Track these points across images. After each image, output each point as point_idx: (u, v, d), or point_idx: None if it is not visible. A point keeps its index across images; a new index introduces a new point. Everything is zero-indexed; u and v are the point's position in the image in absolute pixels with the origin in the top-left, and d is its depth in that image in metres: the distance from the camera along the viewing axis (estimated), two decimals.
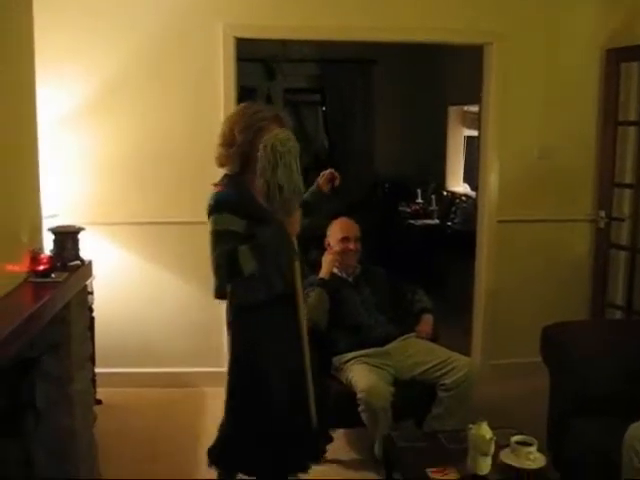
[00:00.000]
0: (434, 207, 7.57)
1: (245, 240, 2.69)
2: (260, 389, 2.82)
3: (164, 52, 4.43)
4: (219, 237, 2.71)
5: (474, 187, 6.11)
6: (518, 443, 2.68)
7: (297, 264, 2.83)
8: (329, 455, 3.67)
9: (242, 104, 2.96)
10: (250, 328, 2.85)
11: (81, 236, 3.05)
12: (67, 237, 2.96)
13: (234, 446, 2.90)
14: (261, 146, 2.67)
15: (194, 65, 4.47)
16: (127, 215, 4.48)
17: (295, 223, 2.78)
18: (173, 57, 4.45)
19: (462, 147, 7.80)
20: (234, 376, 2.89)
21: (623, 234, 4.91)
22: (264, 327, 2.83)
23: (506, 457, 2.67)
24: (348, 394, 3.54)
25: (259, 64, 8.05)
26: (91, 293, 4.08)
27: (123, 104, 4.44)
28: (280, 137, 2.68)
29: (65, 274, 2.80)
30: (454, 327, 5.05)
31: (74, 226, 3.06)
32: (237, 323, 2.90)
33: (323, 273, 3.89)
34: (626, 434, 2.76)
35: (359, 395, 3.47)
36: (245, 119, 2.82)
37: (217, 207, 2.74)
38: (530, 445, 2.68)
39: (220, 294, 2.88)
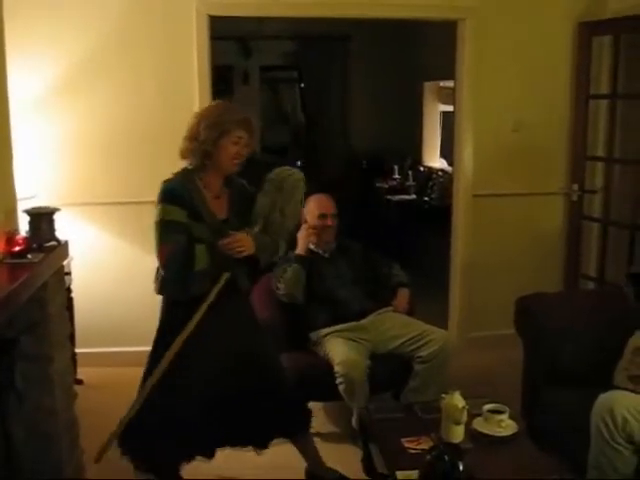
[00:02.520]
0: (411, 182, 7.61)
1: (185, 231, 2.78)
2: (179, 379, 2.83)
3: (136, 31, 4.40)
4: (166, 227, 2.77)
5: (451, 162, 6.15)
6: (490, 411, 2.75)
7: (224, 278, 2.84)
8: None
9: (216, 102, 3.01)
10: (176, 320, 2.85)
11: (57, 217, 3.05)
12: (42, 218, 2.96)
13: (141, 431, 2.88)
14: (275, 176, 2.98)
15: (167, 44, 4.45)
16: (103, 195, 4.49)
17: (247, 243, 2.85)
18: (146, 36, 4.42)
19: (438, 122, 7.83)
20: (153, 362, 2.89)
21: (595, 206, 4.98)
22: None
23: (478, 425, 2.73)
24: (326, 368, 3.59)
25: (235, 42, 8.02)
26: (68, 274, 4.09)
27: (96, 85, 4.41)
28: (301, 177, 3.05)
29: (41, 255, 2.81)
30: (431, 301, 5.11)
31: (49, 207, 3.06)
32: (165, 313, 2.95)
33: (299, 249, 3.92)
34: (595, 404, 2.82)
35: (336, 368, 3.52)
36: (213, 118, 2.85)
37: (163, 197, 2.80)
38: (502, 413, 2.74)
39: (164, 289, 2.91)
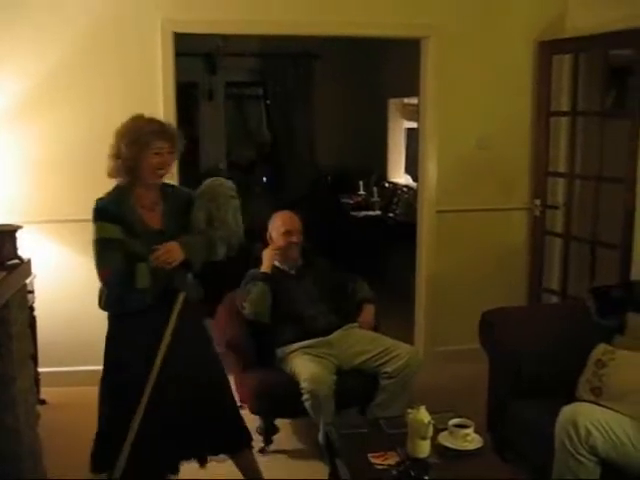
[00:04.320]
0: (376, 199, 7.65)
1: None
2: (126, 397, 2.85)
3: (101, 48, 4.39)
4: (103, 246, 2.81)
5: (415, 178, 6.21)
6: (456, 426, 2.77)
7: (180, 299, 2.87)
8: (275, 445, 3.76)
9: (133, 116, 2.96)
10: (121, 332, 2.91)
11: (19, 235, 3.02)
12: (4, 236, 2.92)
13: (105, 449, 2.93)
14: (206, 188, 2.95)
15: (132, 61, 4.44)
16: (66, 212, 4.43)
17: (175, 252, 2.83)
18: (110, 53, 4.41)
19: (403, 139, 7.90)
20: (105, 382, 2.94)
21: (558, 222, 5.05)
22: (134, 335, 2.88)
23: (444, 439, 2.75)
24: (292, 384, 3.59)
25: (200, 58, 8.02)
26: (31, 292, 4.04)
27: (58, 101, 4.38)
28: (228, 184, 2.99)
29: (3, 273, 2.78)
30: (397, 316, 5.15)
31: (11, 225, 3.03)
32: (110, 326, 2.96)
33: (265, 267, 3.92)
34: (559, 416, 2.86)
35: (302, 384, 3.52)
36: (131, 134, 2.85)
37: (97, 215, 2.84)
38: (467, 427, 2.76)
39: (105, 305, 2.93)
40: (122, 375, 2.88)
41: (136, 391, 2.83)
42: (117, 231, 2.80)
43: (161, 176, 2.91)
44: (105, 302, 2.91)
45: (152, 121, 2.91)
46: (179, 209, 2.97)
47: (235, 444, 3.13)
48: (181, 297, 2.86)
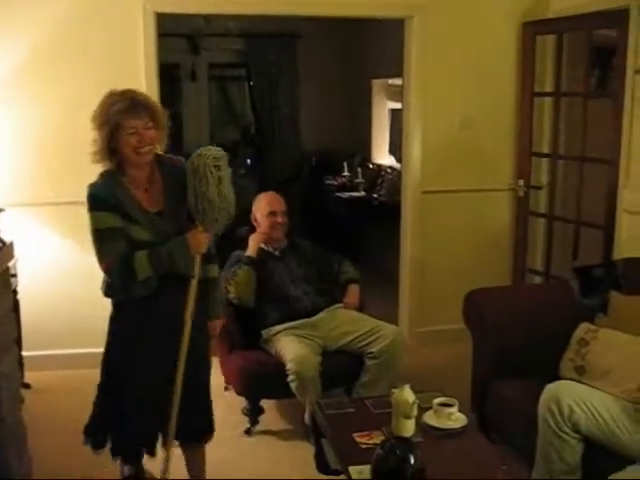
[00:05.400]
0: (360, 180, 7.64)
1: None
2: (127, 379, 2.82)
3: (83, 29, 4.34)
4: (102, 236, 2.67)
5: (399, 159, 6.20)
6: (440, 405, 2.79)
7: (194, 284, 2.77)
8: (260, 426, 3.78)
9: (106, 94, 2.74)
10: (126, 319, 2.82)
11: (1, 217, 2.99)
12: None
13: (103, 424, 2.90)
14: (189, 162, 2.70)
15: (114, 42, 4.39)
16: (48, 195, 4.41)
17: (203, 240, 2.74)
18: (92, 34, 4.35)
19: (387, 120, 7.88)
20: (105, 365, 2.89)
21: (541, 202, 5.07)
22: (141, 319, 2.79)
23: (429, 418, 2.77)
24: (278, 366, 3.59)
25: (182, 39, 7.95)
26: (14, 275, 4.01)
27: (41, 82, 4.33)
28: (212, 152, 2.69)
29: None
30: (382, 297, 5.17)
31: None
32: (115, 313, 2.86)
33: (250, 251, 3.91)
34: (542, 394, 2.89)
35: (288, 365, 3.53)
36: (100, 116, 2.67)
37: (92, 204, 2.68)
38: (452, 406, 2.78)
39: (110, 292, 2.83)
40: (126, 358, 2.82)
41: (140, 375, 2.80)
42: (114, 219, 2.66)
43: (145, 154, 2.71)
44: (109, 290, 2.80)
45: (122, 97, 2.67)
46: (177, 184, 2.77)
47: (201, 433, 3.02)
48: (194, 282, 2.76)
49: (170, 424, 2.80)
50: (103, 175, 2.75)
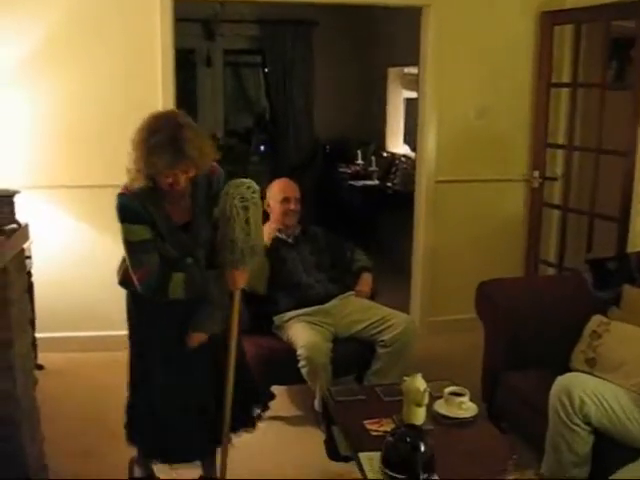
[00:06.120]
0: (374, 168, 7.62)
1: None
2: (149, 378, 2.86)
3: (100, 13, 4.34)
4: (135, 248, 2.63)
5: (414, 148, 6.19)
6: (451, 394, 2.79)
7: (234, 317, 2.80)
8: (271, 412, 3.78)
9: (150, 120, 2.59)
10: (144, 313, 2.84)
11: (17, 199, 3.00)
12: (2, 201, 2.91)
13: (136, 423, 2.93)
14: (222, 196, 2.65)
15: (131, 26, 4.39)
16: (64, 178, 4.43)
17: (239, 278, 2.74)
18: (110, 18, 4.36)
19: (402, 108, 7.85)
20: (132, 357, 2.91)
21: (555, 193, 5.06)
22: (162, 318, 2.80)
23: (439, 407, 2.78)
24: (289, 352, 3.61)
25: (198, 25, 7.94)
26: (29, 257, 4.03)
27: (58, 67, 4.34)
28: (241, 190, 2.63)
29: (1, 238, 2.77)
30: (394, 285, 5.17)
31: (9, 189, 3.01)
32: (134, 309, 2.87)
33: (264, 240, 3.91)
34: (553, 386, 2.89)
35: (299, 351, 3.54)
36: (139, 149, 2.55)
37: (123, 216, 2.62)
38: (463, 395, 2.79)
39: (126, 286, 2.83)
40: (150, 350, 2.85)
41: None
42: (146, 231, 2.62)
43: (178, 191, 2.65)
44: (125, 283, 2.80)
45: (165, 136, 2.50)
46: (205, 194, 2.75)
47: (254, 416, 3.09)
48: (237, 296, 2.79)
49: (224, 420, 2.84)
50: (134, 187, 2.64)
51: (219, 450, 2.96)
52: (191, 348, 2.82)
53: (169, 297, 2.66)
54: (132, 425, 2.94)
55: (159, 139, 2.50)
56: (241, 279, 2.75)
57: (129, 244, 2.64)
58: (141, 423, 2.90)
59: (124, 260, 2.77)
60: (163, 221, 2.67)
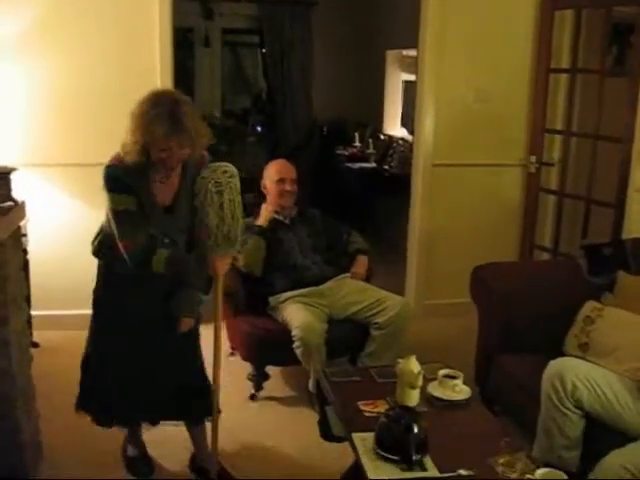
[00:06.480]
0: (371, 150, 7.62)
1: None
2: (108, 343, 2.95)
3: None
4: (120, 217, 2.66)
5: (411, 131, 6.18)
6: (445, 376, 2.81)
7: (218, 304, 2.83)
8: (265, 392, 3.82)
9: (153, 95, 2.65)
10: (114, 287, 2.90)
11: (14, 177, 3.00)
12: None
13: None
14: (198, 181, 2.64)
15: (129, 4, 4.35)
16: (60, 156, 4.41)
17: (219, 264, 2.73)
18: None
19: (400, 91, 7.83)
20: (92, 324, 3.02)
21: (552, 179, 5.06)
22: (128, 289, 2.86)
23: (433, 389, 2.79)
24: (284, 332, 3.62)
25: (196, 3, 7.89)
26: (25, 235, 4.03)
27: (56, 43, 4.31)
28: (216, 175, 2.61)
29: None
30: (389, 268, 5.19)
31: (6, 167, 3.00)
32: (103, 280, 2.95)
33: (261, 221, 3.92)
34: (546, 370, 2.91)
35: (294, 332, 3.56)
36: (138, 123, 2.59)
37: (109, 185, 2.66)
38: (456, 378, 2.81)
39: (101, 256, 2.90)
40: (114, 323, 2.92)
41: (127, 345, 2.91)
42: (132, 202, 2.65)
43: (170, 169, 2.70)
44: (100, 252, 2.87)
45: (164, 110, 2.56)
46: (191, 181, 2.74)
47: (196, 413, 3.05)
48: (220, 283, 2.80)
49: (215, 394, 2.88)
50: (122, 158, 2.68)
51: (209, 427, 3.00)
52: (180, 332, 2.90)
53: (152, 270, 2.68)
54: (84, 395, 3.02)
55: (159, 111, 2.57)
56: (221, 266, 2.75)
57: (116, 213, 2.67)
58: (93, 391, 2.98)
59: (100, 231, 2.86)
60: (147, 199, 2.70)
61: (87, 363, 3.03)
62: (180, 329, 2.90)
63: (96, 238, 2.90)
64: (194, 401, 2.99)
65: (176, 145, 2.60)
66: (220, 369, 2.86)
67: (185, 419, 3.09)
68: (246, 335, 3.76)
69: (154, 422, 3.09)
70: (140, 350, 2.89)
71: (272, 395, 3.85)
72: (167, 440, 3.28)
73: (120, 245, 2.69)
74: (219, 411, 2.97)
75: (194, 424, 3.09)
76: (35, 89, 4.32)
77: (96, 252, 2.90)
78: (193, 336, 3.03)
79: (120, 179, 2.65)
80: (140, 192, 2.68)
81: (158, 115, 2.56)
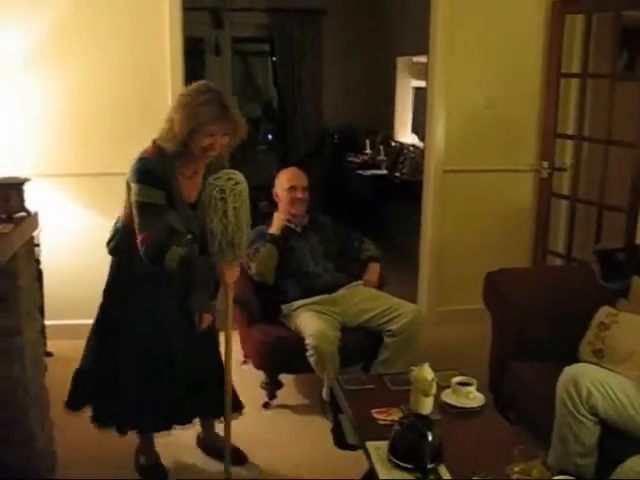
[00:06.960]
0: (382, 157, 7.62)
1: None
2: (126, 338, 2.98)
3: (110, 1, 4.34)
4: (145, 210, 2.71)
5: (422, 137, 6.17)
6: (459, 384, 2.80)
7: (229, 312, 2.85)
8: (278, 401, 3.81)
9: (200, 84, 2.79)
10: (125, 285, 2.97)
11: (27, 187, 3.01)
12: (12, 189, 2.91)
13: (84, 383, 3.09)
14: (206, 186, 2.68)
15: (140, 14, 4.38)
16: (73, 166, 4.44)
17: (227, 272, 2.75)
18: (119, 6, 4.35)
19: (410, 98, 7.83)
20: (101, 318, 3.09)
21: (564, 184, 5.04)
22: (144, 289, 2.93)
23: (447, 397, 2.78)
24: (297, 340, 3.62)
25: (206, 13, 7.93)
26: (38, 245, 4.05)
27: (67, 54, 4.34)
28: (220, 182, 2.61)
29: (11, 226, 2.78)
30: (401, 275, 5.17)
31: (19, 177, 3.01)
32: (117, 279, 3.01)
33: (274, 229, 3.92)
34: (560, 376, 2.88)
35: (307, 340, 3.55)
36: (186, 109, 2.69)
37: (142, 177, 2.71)
38: (470, 385, 2.80)
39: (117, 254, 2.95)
40: (121, 324, 2.99)
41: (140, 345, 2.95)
42: (161, 197, 2.71)
43: (209, 157, 2.81)
44: (117, 250, 2.92)
45: (214, 99, 2.72)
46: None
47: (218, 409, 3.07)
48: (229, 292, 2.84)
49: (226, 396, 2.92)
50: (157, 151, 2.76)
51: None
52: (200, 330, 3.00)
53: (165, 266, 2.70)
54: (79, 391, 3.09)
55: (209, 97, 2.72)
56: (230, 274, 2.77)
57: (142, 205, 2.71)
58: (95, 389, 3.05)
59: (115, 232, 2.92)
60: (176, 194, 2.77)
61: (93, 374, 3.09)
62: (201, 326, 2.99)
63: (112, 239, 2.95)
64: (218, 394, 3.01)
65: (221, 131, 2.73)
66: (231, 375, 2.92)
67: (212, 413, 3.16)
68: (259, 343, 3.76)
69: (184, 423, 3.11)
70: (169, 351, 2.95)
71: (285, 403, 3.84)
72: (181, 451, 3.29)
73: (139, 237, 2.72)
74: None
75: (216, 417, 3.17)
76: (48, 100, 4.35)
77: (114, 250, 2.95)
78: (212, 333, 3.12)
79: (153, 172, 2.72)
80: (170, 187, 2.74)
81: (208, 100, 2.70)
